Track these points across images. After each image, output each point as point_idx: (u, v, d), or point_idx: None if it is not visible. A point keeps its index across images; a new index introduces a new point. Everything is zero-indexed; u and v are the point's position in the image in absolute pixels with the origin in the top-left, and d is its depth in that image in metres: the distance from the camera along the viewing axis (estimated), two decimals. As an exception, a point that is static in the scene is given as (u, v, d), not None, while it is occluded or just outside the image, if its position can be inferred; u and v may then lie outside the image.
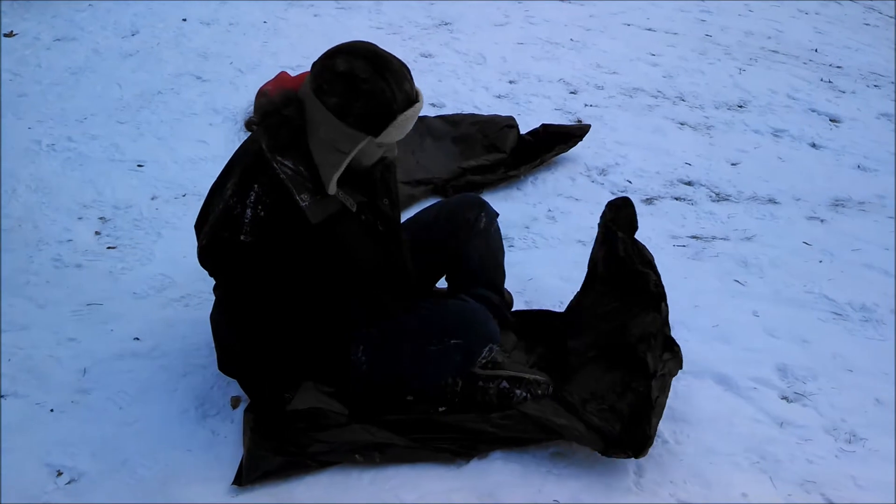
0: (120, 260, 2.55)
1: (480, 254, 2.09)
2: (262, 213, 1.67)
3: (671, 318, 2.02)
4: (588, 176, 3.23)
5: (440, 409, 1.91)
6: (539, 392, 1.91)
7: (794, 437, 1.94)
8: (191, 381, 2.04)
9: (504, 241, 2.20)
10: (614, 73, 4.31)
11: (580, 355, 2.01)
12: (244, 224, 1.68)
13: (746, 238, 2.86)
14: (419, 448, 1.83)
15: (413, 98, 1.69)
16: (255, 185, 1.68)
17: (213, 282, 1.90)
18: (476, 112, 3.66)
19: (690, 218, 2.97)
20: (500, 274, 2.17)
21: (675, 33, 5.05)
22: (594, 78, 4.22)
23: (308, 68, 1.72)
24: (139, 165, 3.12)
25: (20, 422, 1.91)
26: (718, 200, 3.13)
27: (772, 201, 3.14)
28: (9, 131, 3.31)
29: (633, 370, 1.90)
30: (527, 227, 2.84)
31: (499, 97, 3.92)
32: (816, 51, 5.02)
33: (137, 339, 2.19)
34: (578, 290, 2.20)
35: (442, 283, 2.21)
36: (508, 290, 2.24)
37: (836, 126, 3.90)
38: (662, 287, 1.99)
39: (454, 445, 1.83)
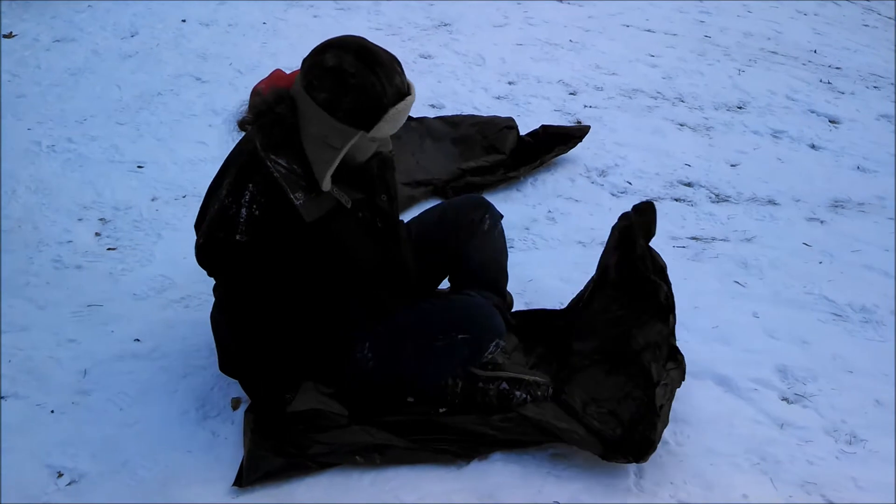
0: (120, 261, 2.55)
1: (483, 255, 2.09)
2: (258, 213, 1.67)
3: (672, 319, 2.03)
4: (588, 177, 3.24)
5: (440, 411, 1.91)
6: (539, 394, 1.91)
7: (794, 438, 1.95)
8: (191, 382, 2.04)
9: (505, 243, 2.20)
10: (613, 74, 4.31)
11: (583, 357, 2.01)
12: (239, 224, 1.68)
13: (746, 239, 2.86)
14: (419, 449, 1.83)
15: (404, 91, 1.68)
16: (250, 185, 1.68)
17: (213, 283, 1.91)
18: (475, 113, 3.65)
19: (690, 219, 2.97)
20: (503, 276, 2.17)
21: (674, 34, 5.06)
22: (593, 79, 4.23)
23: (306, 68, 1.71)
24: (139, 166, 3.12)
25: (21, 423, 1.91)
26: (718, 201, 3.13)
27: (771, 202, 3.15)
28: (8, 132, 3.30)
29: (636, 378, 1.91)
30: (526, 229, 2.84)
31: (498, 98, 3.92)
32: (815, 52, 5.02)
33: (138, 340, 2.19)
34: (581, 289, 2.19)
35: (444, 285, 2.21)
36: (509, 291, 2.24)
37: (836, 127, 3.90)
38: (672, 299, 1.99)
39: (454, 447, 1.83)
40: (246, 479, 1.73)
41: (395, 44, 4.46)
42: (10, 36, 4.27)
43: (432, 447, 1.83)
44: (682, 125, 3.77)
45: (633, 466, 1.80)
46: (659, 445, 1.82)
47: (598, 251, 2.70)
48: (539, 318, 2.22)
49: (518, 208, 2.95)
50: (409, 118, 3.46)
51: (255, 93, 1.71)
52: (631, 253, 2.04)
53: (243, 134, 1.81)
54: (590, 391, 1.93)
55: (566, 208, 3.00)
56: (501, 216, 2.14)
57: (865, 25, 5.84)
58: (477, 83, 4.08)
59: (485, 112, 3.68)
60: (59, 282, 2.44)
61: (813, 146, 3.68)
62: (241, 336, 1.85)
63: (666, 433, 1.87)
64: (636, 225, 2.02)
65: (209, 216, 1.76)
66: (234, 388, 1.98)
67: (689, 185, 3.24)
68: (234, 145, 1.85)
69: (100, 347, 2.15)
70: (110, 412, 1.95)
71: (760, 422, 1.99)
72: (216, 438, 1.88)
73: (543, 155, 3.22)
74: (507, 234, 2.58)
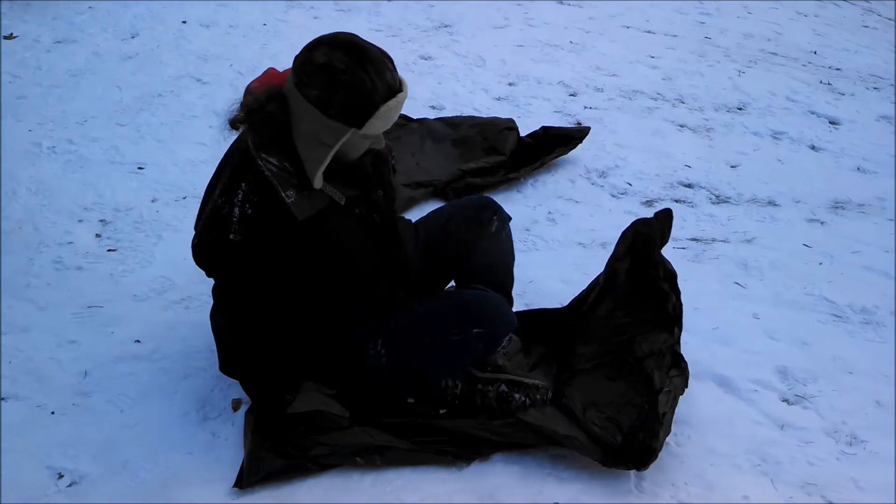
0: (120, 262, 2.55)
1: (490, 257, 2.08)
2: (250, 212, 1.67)
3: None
4: (588, 178, 3.24)
5: (441, 412, 1.91)
6: (538, 397, 1.91)
7: (794, 439, 1.95)
8: (191, 383, 2.04)
9: (507, 244, 2.19)
10: (614, 75, 4.31)
11: (586, 361, 2.01)
12: (232, 223, 1.68)
13: (746, 240, 2.86)
14: (420, 451, 1.83)
15: (396, 88, 1.67)
16: (242, 184, 1.67)
17: (213, 284, 1.91)
18: (476, 114, 3.66)
19: (690, 220, 2.97)
20: (510, 278, 2.17)
21: (674, 35, 5.06)
22: (593, 80, 4.23)
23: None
24: (139, 168, 3.12)
25: (21, 424, 1.91)
26: (718, 203, 3.13)
27: (771, 203, 3.15)
28: (9, 133, 3.30)
29: (638, 385, 1.91)
30: (527, 230, 2.84)
31: (498, 99, 3.92)
32: (815, 53, 5.02)
33: (138, 341, 2.19)
34: (583, 290, 2.18)
35: (449, 287, 2.20)
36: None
37: (836, 128, 3.91)
38: (680, 308, 2.00)
39: (455, 448, 1.83)
40: (247, 480, 1.73)
41: (395, 45, 4.46)
42: (10, 37, 4.27)
43: (433, 448, 1.83)
44: (682, 126, 3.77)
45: (633, 468, 1.80)
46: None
47: (599, 252, 2.73)
48: (541, 317, 2.22)
49: (518, 209, 2.95)
50: (410, 119, 3.46)
51: (248, 91, 1.70)
52: (644, 259, 2.03)
53: (236, 133, 1.80)
54: (590, 395, 1.93)
55: (566, 209, 3.00)
56: (509, 218, 2.14)
57: (865, 27, 5.84)
58: (477, 84, 4.08)
59: (485, 113, 3.68)
60: (59, 283, 2.44)
61: (813, 147, 3.68)
62: (240, 336, 1.85)
63: (666, 435, 1.87)
64: (656, 232, 2.01)
65: (203, 216, 1.76)
66: (235, 390, 1.99)
67: (689, 186, 3.24)
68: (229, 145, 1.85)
69: (100, 349, 2.16)
70: (111, 413, 1.95)
71: (761, 423, 1.99)
72: (216, 440, 1.88)
73: (544, 156, 3.22)
74: (508, 235, 2.59)
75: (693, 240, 2.83)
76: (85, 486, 1.76)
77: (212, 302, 1.94)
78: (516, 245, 2.70)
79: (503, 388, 1.90)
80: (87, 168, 3.10)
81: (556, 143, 3.27)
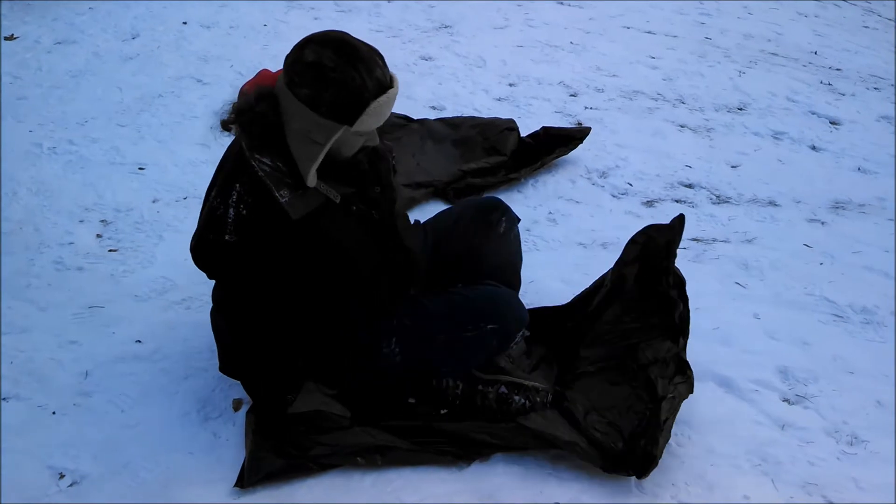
0: (121, 263, 2.55)
1: (499, 257, 2.08)
2: (245, 212, 1.68)
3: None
4: (588, 178, 3.24)
5: (441, 412, 1.91)
6: (538, 400, 1.90)
7: (795, 439, 1.95)
8: (192, 383, 2.04)
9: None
10: (614, 75, 4.31)
11: (589, 364, 2.01)
12: (228, 224, 1.68)
13: (747, 240, 2.86)
14: (421, 451, 1.83)
15: (386, 84, 1.66)
16: (237, 185, 1.68)
17: (213, 284, 1.91)
18: (476, 115, 3.66)
19: (691, 220, 2.94)
20: (517, 279, 2.17)
21: (674, 36, 5.06)
22: (594, 80, 4.23)
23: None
24: (140, 168, 3.12)
25: (22, 424, 1.91)
26: (719, 203, 3.13)
27: (772, 204, 3.15)
28: (9, 134, 3.31)
29: (640, 391, 1.91)
30: (527, 230, 2.84)
31: (499, 100, 3.92)
32: (816, 53, 5.02)
33: (139, 341, 2.19)
34: (586, 289, 2.18)
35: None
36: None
37: (836, 128, 3.91)
38: (688, 317, 2.00)
39: (455, 448, 1.83)
40: (247, 480, 1.73)
41: (395, 46, 4.47)
42: (11, 38, 4.27)
43: (434, 448, 1.83)
44: (682, 127, 3.77)
45: (634, 468, 1.80)
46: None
47: (599, 253, 2.74)
48: (541, 316, 2.20)
49: (519, 210, 2.91)
50: (410, 120, 3.47)
51: (242, 93, 1.72)
52: (655, 266, 2.03)
53: (227, 134, 1.81)
54: (592, 399, 1.93)
55: (567, 210, 3.00)
56: (518, 219, 2.14)
57: (866, 27, 5.84)
58: (478, 85, 4.08)
59: (485, 114, 3.68)
60: (60, 283, 2.44)
61: (813, 147, 3.68)
62: (239, 336, 1.85)
63: (667, 434, 1.87)
64: (672, 238, 2.01)
65: (200, 218, 1.77)
66: (235, 390, 1.99)
67: (689, 186, 3.24)
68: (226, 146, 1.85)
69: (101, 349, 2.16)
70: (111, 414, 1.95)
71: (761, 423, 1.99)
72: (217, 440, 1.88)
73: (544, 156, 3.22)
74: (508, 235, 2.59)
75: (693, 240, 2.83)
76: (86, 486, 1.76)
77: (212, 302, 1.95)
78: (517, 245, 2.73)
79: (503, 389, 1.90)
80: (88, 169, 3.10)
81: (557, 143, 3.27)
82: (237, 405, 1.96)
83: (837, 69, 4.77)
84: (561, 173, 3.24)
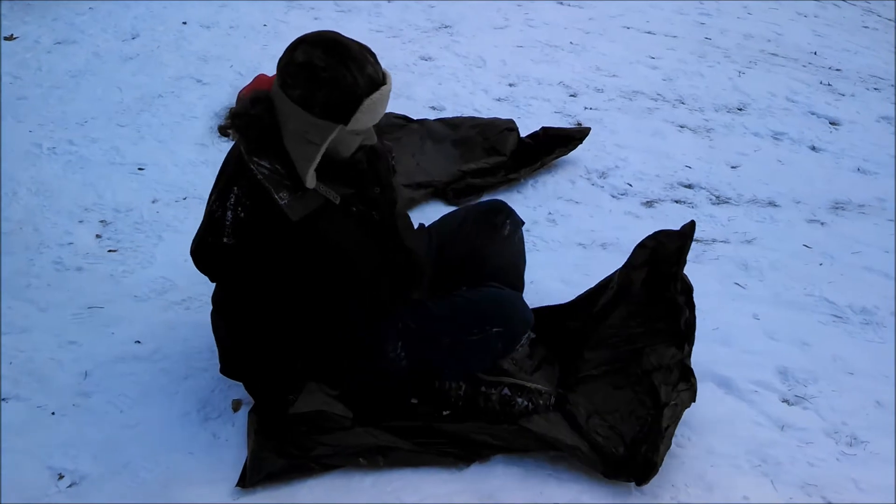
0: (121, 263, 2.55)
1: (502, 259, 2.09)
2: (243, 215, 1.68)
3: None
4: (588, 179, 3.24)
5: (444, 413, 1.91)
6: (541, 402, 1.90)
7: (794, 439, 1.95)
8: (192, 384, 2.04)
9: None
10: (614, 76, 4.31)
11: (593, 367, 2.01)
12: (225, 227, 1.69)
13: (746, 241, 2.86)
14: (423, 452, 1.83)
15: (379, 81, 1.66)
16: (235, 188, 1.68)
17: (212, 286, 1.91)
18: (476, 115, 3.65)
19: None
20: (520, 282, 2.17)
21: (674, 36, 5.06)
22: (594, 81, 4.23)
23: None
24: (140, 168, 3.12)
25: (21, 424, 1.91)
26: (718, 203, 3.13)
27: (772, 204, 3.15)
28: (9, 134, 3.30)
29: (643, 396, 1.91)
30: (527, 230, 2.82)
31: (498, 100, 3.92)
32: (816, 53, 5.02)
33: (138, 342, 2.19)
34: (589, 289, 2.17)
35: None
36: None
37: (836, 129, 3.91)
38: (693, 324, 1.99)
39: (457, 450, 1.83)
40: (249, 479, 1.74)
41: (395, 46, 4.47)
42: (11, 38, 4.27)
43: (436, 450, 1.83)
44: (682, 127, 3.77)
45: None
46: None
47: (599, 253, 2.74)
48: (544, 316, 2.18)
49: (518, 210, 2.89)
50: (410, 120, 3.47)
51: (239, 98, 1.73)
52: (664, 271, 2.03)
53: (225, 139, 1.81)
54: (595, 403, 1.93)
55: (566, 210, 3.00)
56: (522, 222, 2.15)
57: (865, 27, 5.84)
58: (477, 85, 4.08)
59: (485, 114, 3.68)
60: (59, 284, 2.44)
61: (813, 148, 3.68)
62: (240, 338, 1.85)
63: (667, 435, 1.87)
64: (683, 244, 2.01)
65: (201, 221, 1.77)
66: (235, 390, 1.99)
67: (689, 186, 3.24)
68: (227, 149, 1.85)
69: (101, 349, 2.16)
70: (111, 414, 1.95)
71: (761, 423, 2.00)
72: (217, 440, 1.88)
73: (544, 157, 3.22)
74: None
75: (693, 240, 2.82)
76: (85, 486, 1.76)
77: (212, 305, 1.95)
78: (517, 246, 2.73)
79: (506, 391, 1.90)
80: (88, 169, 3.10)
81: (557, 143, 3.27)
82: (237, 405, 1.96)
83: (837, 69, 4.77)
84: (560, 174, 3.24)
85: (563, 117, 3.77)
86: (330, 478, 1.78)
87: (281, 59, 1.66)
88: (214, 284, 1.90)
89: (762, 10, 5.80)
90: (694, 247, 2.76)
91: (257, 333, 1.81)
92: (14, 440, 1.86)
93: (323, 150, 1.65)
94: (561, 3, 5.53)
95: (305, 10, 4.94)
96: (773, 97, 4.18)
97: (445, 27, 4.88)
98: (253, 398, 1.92)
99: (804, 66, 4.77)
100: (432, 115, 3.64)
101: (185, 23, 4.60)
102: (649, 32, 5.09)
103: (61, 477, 1.78)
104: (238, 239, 1.69)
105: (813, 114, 4.04)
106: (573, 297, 2.22)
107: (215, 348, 2.00)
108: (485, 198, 3.01)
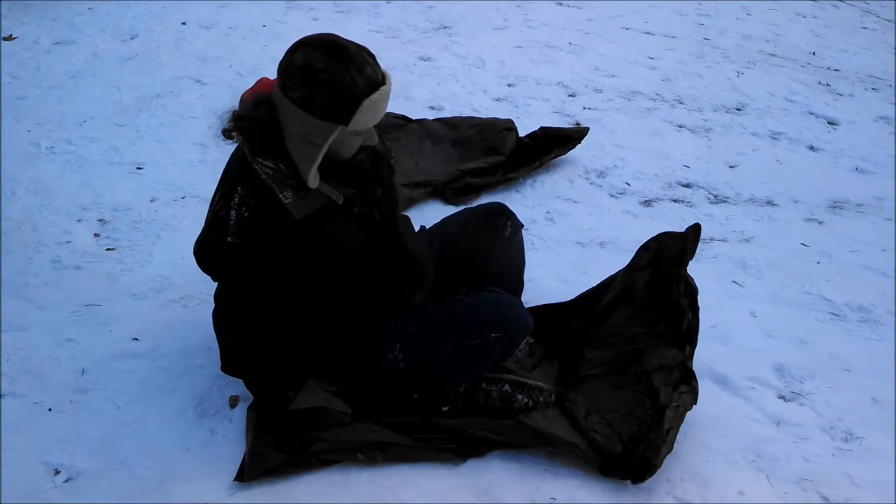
0: (119, 261, 2.56)
1: (503, 261, 2.09)
2: (247, 215, 1.68)
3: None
4: (586, 178, 3.24)
5: (443, 409, 1.91)
6: (541, 399, 1.90)
7: (791, 435, 1.95)
8: (189, 381, 2.04)
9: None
10: (613, 76, 4.32)
11: (593, 367, 2.01)
12: (230, 226, 1.69)
13: (745, 240, 2.86)
14: (422, 448, 1.83)
15: (378, 81, 1.67)
16: (239, 188, 1.69)
17: (211, 283, 1.91)
18: (475, 115, 3.66)
19: (689, 220, 2.95)
20: (520, 285, 2.17)
21: (673, 37, 5.07)
22: (592, 81, 4.24)
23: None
24: (138, 168, 3.13)
25: (19, 421, 1.91)
26: (717, 202, 3.13)
27: (770, 203, 3.15)
28: (8, 134, 3.31)
29: (643, 397, 1.91)
30: (525, 230, 2.82)
31: (497, 100, 3.93)
32: (814, 54, 5.03)
33: (136, 339, 2.19)
34: (594, 289, 2.16)
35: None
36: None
37: (834, 129, 3.91)
38: (696, 326, 2.00)
39: (456, 445, 1.83)
40: (248, 474, 1.74)
41: (394, 46, 4.48)
42: (10, 38, 4.28)
43: (435, 445, 1.83)
44: (680, 127, 3.78)
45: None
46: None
47: (597, 252, 2.74)
48: (543, 314, 2.18)
49: (517, 209, 2.89)
50: (409, 120, 3.47)
51: (242, 101, 1.76)
52: (668, 273, 2.03)
53: (229, 141, 1.82)
54: (595, 402, 1.93)
55: (565, 209, 3.01)
56: (522, 225, 2.15)
57: (864, 28, 5.85)
58: (476, 85, 4.09)
59: (484, 114, 3.69)
60: (58, 282, 2.45)
61: (811, 147, 3.69)
62: (242, 337, 1.85)
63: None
64: (686, 247, 2.01)
65: (205, 221, 1.78)
66: (232, 387, 1.99)
67: (687, 186, 3.25)
68: (231, 146, 1.86)
69: (98, 347, 2.16)
70: (108, 410, 1.95)
71: (757, 420, 2.00)
72: (214, 437, 1.88)
73: (542, 156, 3.23)
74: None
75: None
76: (82, 482, 1.76)
77: (211, 301, 1.95)
78: (515, 244, 2.73)
79: (506, 388, 1.90)
80: (86, 168, 3.11)
81: (555, 143, 3.28)
82: (234, 402, 1.96)
83: (836, 70, 4.78)
84: (559, 173, 3.25)
85: (561, 117, 3.78)
86: (327, 473, 1.78)
87: (281, 62, 1.68)
88: (214, 283, 1.90)
89: (761, 10, 5.81)
90: (691, 245, 2.78)
91: (260, 332, 1.82)
92: (11, 436, 1.86)
93: (324, 150, 1.66)
94: (560, 4, 5.54)
95: (304, 10, 4.96)
96: (771, 97, 4.18)
97: (444, 28, 4.90)
98: (253, 395, 1.92)
99: (803, 66, 4.78)
100: (431, 115, 3.65)
101: (184, 23, 4.61)
102: (648, 33, 5.10)
103: (58, 473, 1.78)
104: (242, 238, 1.69)
105: (811, 114, 4.05)
106: (571, 296, 2.22)
107: (213, 346, 2.00)
108: (483, 197, 3.01)
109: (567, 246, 2.78)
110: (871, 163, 3.57)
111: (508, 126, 3.35)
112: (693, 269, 2.61)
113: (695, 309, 2.02)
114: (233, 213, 1.68)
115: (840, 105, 4.19)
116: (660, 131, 3.70)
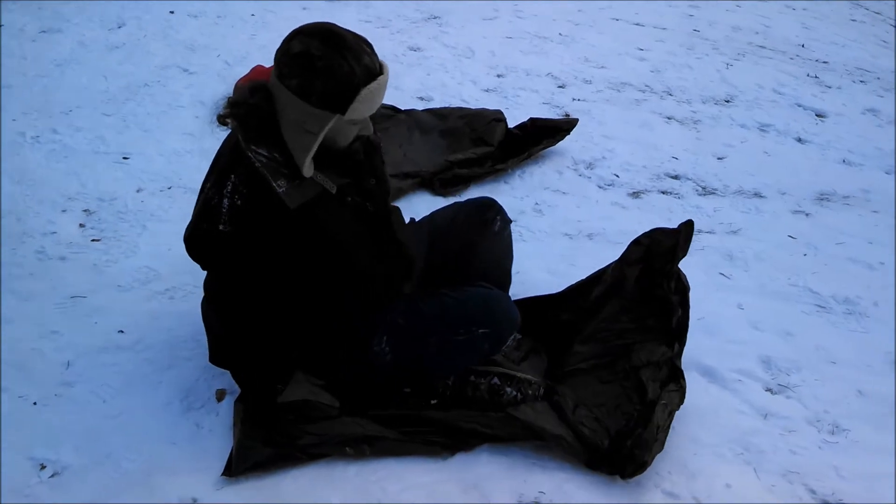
0: (104, 252, 2.53)
1: (491, 255, 2.09)
2: (240, 203, 1.67)
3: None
4: (575, 169, 3.24)
5: (432, 402, 1.91)
6: (530, 392, 1.90)
7: (777, 428, 1.96)
8: (175, 373, 2.03)
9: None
10: (602, 67, 4.32)
11: (582, 360, 2.01)
12: (222, 214, 1.68)
13: (732, 231, 2.87)
14: (410, 441, 1.83)
15: (375, 71, 1.66)
16: (232, 176, 1.68)
17: (198, 274, 1.90)
18: (464, 105, 3.65)
19: (677, 212, 2.98)
20: (507, 280, 2.17)
21: (662, 28, 5.06)
22: (582, 72, 4.23)
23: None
24: (124, 158, 3.10)
25: (3, 415, 1.89)
26: (705, 194, 3.14)
27: (757, 195, 3.16)
28: (-8, 123, 3.28)
29: (630, 392, 1.91)
30: (514, 221, 2.82)
31: (487, 91, 3.92)
32: (803, 46, 5.04)
33: (122, 331, 2.18)
34: (583, 282, 2.16)
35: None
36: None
37: (822, 121, 3.92)
38: (686, 324, 2.00)
39: (443, 439, 1.83)
40: (235, 468, 1.73)
41: (384, 36, 4.46)
42: (-6, 26, 4.23)
43: (422, 439, 1.83)
44: (669, 118, 3.78)
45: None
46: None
47: (585, 243, 2.74)
48: (531, 306, 2.18)
49: (505, 200, 2.92)
50: (398, 110, 3.46)
51: (237, 88, 1.74)
52: (659, 269, 2.03)
53: (223, 128, 1.80)
54: (582, 396, 1.93)
55: (553, 200, 3.00)
56: (511, 221, 2.15)
57: (853, 20, 5.86)
58: (466, 76, 4.07)
59: (473, 104, 3.67)
60: (42, 273, 2.42)
61: (799, 140, 3.70)
62: (231, 327, 1.84)
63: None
64: (677, 243, 2.01)
65: (195, 208, 1.76)
66: (219, 380, 1.98)
67: (675, 177, 3.25)
68: (220, 136, 1.84)
69: (83, 339, 2.14)
70: (94, 404, 1.94)
71: (744, 412, 2.01)
72: (200, 430, 1.87)
73: (531, 147, 3.22)
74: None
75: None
76: (68, 476, 1.75)
77: (197, 292, 1.94)
78: (503, 236, 2.72)
79: (495, 380, 1.90)
80: (72, 158, 3.08)
81: (544, 134, 3.28)
82: (220, 395, 1.95)
83: (824, 62, 4.79)
84: (548, 164, 3.24)
85: (551, 108, 3.77)
86: (314, 468, 1.78)
87: (278, 50, 1.66)
88: (201, 274, 1.89)
89: (750, 2, 5.82)
90: (679, 237, 2.78)
91: (250, 322, 1.81)
92: (-3, 431, 1.85)
93: (320, 139, 1.65)
94: (549, -5, 5.52)
95: (293, -1, 4.92)
96: (760, 89, 4.19)
97: (434, 18, 4.87)
98: (240, 387, 1.91)
99: (791, 58, 4.78)
100: (420, 106, 3.64)
101: (172, 12, 4.57)
102: (638, 24, 5.09)
103: (43, 467, 1.77)
104: (235, 226, 1.68)
105: (799, 106, 4.05)
106: (559, 288, 2.22)
107: (199, 338, 1.99)
108: (472, 188, 3.01)
109: (555, 237, 2.78)
110: (858, 155, 3.58)
111: (497, 117, 3.34)
112: (681, 261, 2.63)
113: (685, 306, 2.02)
114: (225, 201, 1.67)
115: (828, 97, 4.20)
116: (648, 123, 3.70)
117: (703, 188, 3.18)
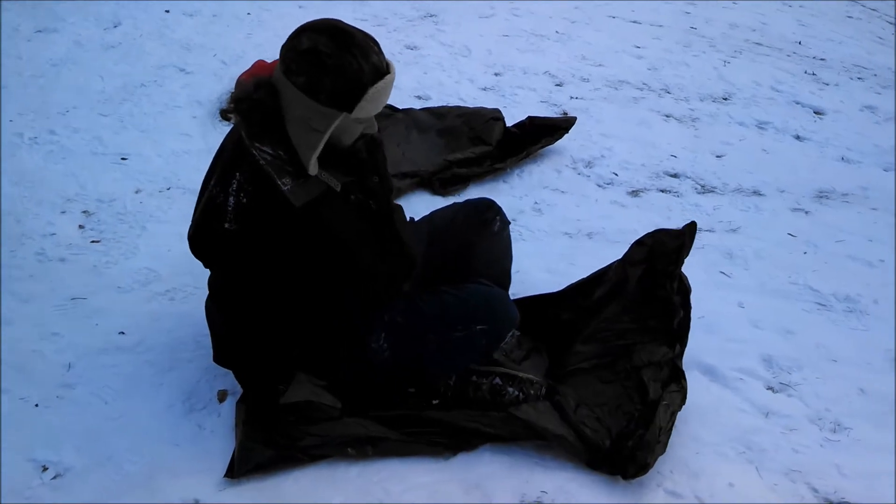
0: (104, 254, 2.53)
1: (490, 255, 2.09)
2: (245, 201, 1.66)
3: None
4: (574, 168, 3.24)
5: (433, 402, 1.91)
6: (532, 392, 1.90)
7: (779, 426, 1.96)
8: (176, 375, 2.02)
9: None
10: (600, 65, 4.32)
11: (584, 360, 2.01)
12: (227, 212, 1.67)
13: (731, 230, 2.87)
14: (412, 442, 1.82)
15: (383, 70, 1.66)
16: (237, 173, 1.67)
17: (198, 275, 1.89)
18: (462, 104, 3.65)
19: (676, 210, 2.98)
20: (506, 280, 2.17)
21: (659, 26, 5.06)
22: (579, 70, 4.23)
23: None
24: (123, 158, 3.09)
25: (4, 417, 1.89)
26: (704, 192, 3.14)
27: (756, 193, 3.16)
28: (-11, 124, 3.27)
29: (631, 392, 1.91)
30: (513, 220, 2.82)
31: (484, 89, 3.92)
32: (800, 43, 5.04)
33: (122, 333, 2.17)
34: (585, 281, 2.16)
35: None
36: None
37: (820, 118, 3.93)
38: (687, 325, 2.00)
39: (446, 439, 1.83)
40: (237, 470, 1.73)
41: (380, 34, 4.39)
42: (-10, 26, 4.21)
43: (425, 439, 1.83)
44: (667, 116, 3.78)
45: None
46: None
47: (585, 242, 2.74)
48: (531, 305, 2.18)
49: (504, 200, 2.92)
50: (395, 109, 3.45)
51: (239, 83, 1.73)
52: (662, 270, 2.03)
53: (226, 123, 1.79)
54: (583, 395, 1.93)
55: (552, 199, 3.00)
56: (510, 222, 2.15)
57: (850, 17, 5.87)
58: (463, 74, 4.07)
59: (471, 103, 3.67)
60: (42, 275, 2.42)
61: (798, 137, 3.70)
62: (234, 326, 1.83)
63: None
64: (682, 244, 2.01)
65: (199, 206, 1.75)
66: (220, 381, 1.98)
67: (674, 176, 3.25)
68: (218, 135, 1.83)
69: (84, 341, 2.13)
70: (95, 405, 1.94)
71: (746, 411, 2.01)
72: (202, 431, 1.87)
73: (530, 146, 3.22)
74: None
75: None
76: (69, 478, 1.74)
77: (198, 293, 1.93)
78: (503, 235, 2.72)
79: (497, 380, 1.90)
80: (70, 159, 3.06)
81: (542, 133, 3.27)
82: (222, 396, 1.95)
83: (822, 59, 4.80)
84: (546, 163, 3.24)
85: (548, 107, 3.77)
86: (316, 469, 1.77)
87: (284, 46, 1.65)
88: (201, 275, 1.88)
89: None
90: (679, 236, 2.78)
91: (254, 320, 1.80)
92: (-2, 433, 1.84)
93: (326, 137, 1.64)
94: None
95: (289, -2, 4.91)
96: (757, 87, 4.19)
97: (431, 16, 4.87)
98: (242, 387, 1.91)
99: (789, 55, 4.79)
100: (418, 105, 3.63)
101: (167, 11, 4.55)
102: (635, 22, 5.09)
103: (45, 469, 1.76)
104: (240, 225, 1.67)
105: (797, 103, 4.06)
106: (559, 287, 2.22)
107: (200, 339, 1.99)
108: (471, 187, 3.01)
109: (554, 236, 2.78)
110: (856, 152, 3.59)
111: (495, 116, 3.34)
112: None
113: (687, 308, 2.03)
114: (231, 199, 1.66)
115: (826, 94, 4.21)
116: (647, 121, 3.70)
117: (702, 186, 3.18)
